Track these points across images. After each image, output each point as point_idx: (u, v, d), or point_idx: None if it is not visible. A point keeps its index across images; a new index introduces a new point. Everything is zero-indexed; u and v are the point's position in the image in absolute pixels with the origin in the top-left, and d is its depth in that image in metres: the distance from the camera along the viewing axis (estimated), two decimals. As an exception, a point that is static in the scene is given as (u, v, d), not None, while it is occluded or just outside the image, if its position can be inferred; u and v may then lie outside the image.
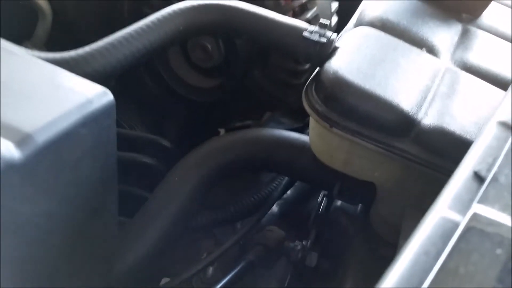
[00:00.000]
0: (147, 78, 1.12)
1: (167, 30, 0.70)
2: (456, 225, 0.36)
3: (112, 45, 0.65)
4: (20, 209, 0.48)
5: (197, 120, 1.17)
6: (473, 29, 0.86)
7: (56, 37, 1.06)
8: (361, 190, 0.76)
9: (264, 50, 0.95)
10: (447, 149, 0.65)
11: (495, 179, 0.40)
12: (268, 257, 0.83)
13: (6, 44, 0.58)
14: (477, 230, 0.35)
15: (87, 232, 0.58)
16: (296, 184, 0.96)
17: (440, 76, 0.73)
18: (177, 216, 0.74)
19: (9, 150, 0.44)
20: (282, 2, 0.92)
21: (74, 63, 0.62)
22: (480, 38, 0.84)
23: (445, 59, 0.77)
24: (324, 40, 0.71)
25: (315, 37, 0.72)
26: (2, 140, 0.44)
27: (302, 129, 1.09)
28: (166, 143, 0.97)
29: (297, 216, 0.95)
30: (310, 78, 0.72)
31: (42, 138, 0.46)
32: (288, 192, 0.96)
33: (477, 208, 0.37)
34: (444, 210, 0.38)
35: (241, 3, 0.77)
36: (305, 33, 0.72)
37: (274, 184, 0.92)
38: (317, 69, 0.72)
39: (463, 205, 0.38)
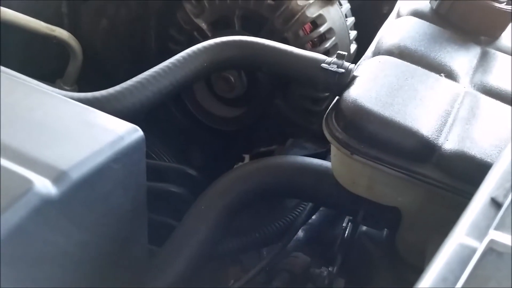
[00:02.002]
0: (173, 109, 1.16)
1: (192, 67, 0.74)
2: (473, 251, 0.37)
3: (140, 83, 0.68)
4: (56, 240, 0.51)
5: (222, 148, 1.20)
6: (491, 51, 0.87)
7: (86, 73, 1.11)
8: (385, 215, 0.77)
9: (285, 79, 0.98)
10: (469, 173, 0.65)
11: (512, 205, 0.40)
12: (295, 283, 0.84)
13: (41, 85, 0.62)
14: (494, 257, 0.36)
15: (118, 260, 0.61)
16: (321, 209, 0.97)
17: (460, 100, 0.74)
18: (205, 243, 0.76)
19: (46, 187, 0.47)
20: (301, 33, 0.95)
21: (105, 101, 0.65)
22: (499, 60, 0.85)
23: (464, 83, 0.78)
24: (342, 70, 0.74)
25: (333, 68, 0.74)
26: (39, 177, 0.47)
27: (325, 154, 1.10)
28: (192, 172, 1.00)
29: (322, 242, 0.96)
30: (330, 107, 0.74)
31: (76, 174, 0.50)
32: (314, 217, 0.97)
33: (494, 234, 0.38)
34: (461, 236, 0.39)
35: (261, 39, 0.80)
36: (323, 65, 0.75)
37: (299, 210, 0.93)
38: (337, 98, 0.74)
39: (480, 232, 0.39)
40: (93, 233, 0.55)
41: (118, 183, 0.55)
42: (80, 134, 0.54)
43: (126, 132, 0.55)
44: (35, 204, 0.46)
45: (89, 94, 0.66)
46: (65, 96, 0.61)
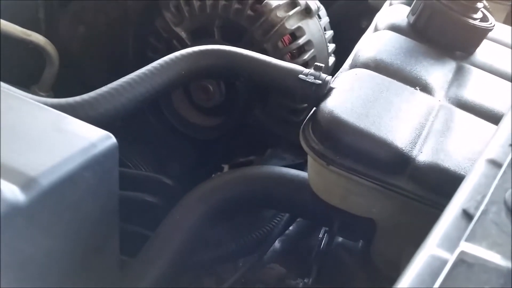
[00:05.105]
0: (151, 117, 1.15)
1: (169, 75, 0.74)
2: (444, 263, 0.37)
3: (115, 90, 0.67)
4: (23, 248, 0.49)
5: (200, 157, 1.19)
6: (466, 66, 0.88)
7: (63, 80, 1.09)
8: (360, 226, 0.77)
9: (263, 89, 0.98)
10: (443, 185, 0.66)
11: (483, 216, 0.41)
12: (270, 295, 0.84)
13: (13, 90, 0.61)
14: (464, 268, 0.36)
15: (88, 270, 0.59)
16: (298, 220, 0.97)
17: (434, 113, 0.75)
18: (179, 254, 0.75)
19: (14, 193, 0.46)
20: (280, 45, 0.96)
21: (79, 107, 0.64)
22: (474, 75, 0.86)
23: (439, 97, 0.79)
24: (319, 81, 0.74)
25: (311, 79, 0.74)
26: (7, 184, 0.46)
27: (304, 165, 1.11)
28: (168, 181, 0.99)
29: (298, 253, 0.96)
30: (307, 117, 0.74)
31: (46, 181, 0.48)
32: (290, 228, 0.97)
33: (465, 246, 0.38)
34: (432, 248, 0.39)
35: (239, 48, 0.80)
36: (301, 76, 0.75)
37: (276, 221, 0.93)
38: (313, 109, 0.74)
39: (451, 243, 0.39)
40: (62, 241, 0.54)
41: (89, 190, 0.54)
42: (51, 140, 0.52)
43: (98, 139, 0.54)
44: (1, 211, 0.44)
45: (62, 100, 0.65)
46: (38, 101, 0.60)
